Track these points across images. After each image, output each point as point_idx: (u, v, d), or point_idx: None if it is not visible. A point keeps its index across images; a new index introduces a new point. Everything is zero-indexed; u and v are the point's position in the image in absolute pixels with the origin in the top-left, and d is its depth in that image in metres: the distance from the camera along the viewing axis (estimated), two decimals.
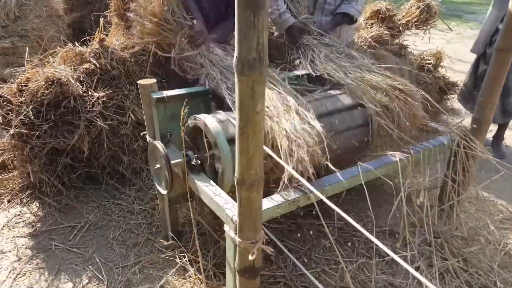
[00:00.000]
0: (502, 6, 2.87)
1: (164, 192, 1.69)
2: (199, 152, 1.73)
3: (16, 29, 3.17)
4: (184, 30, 2.01)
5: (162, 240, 2.09)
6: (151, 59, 2.18)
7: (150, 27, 2.00)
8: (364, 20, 3.50)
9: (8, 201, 2.41)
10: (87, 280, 1.88)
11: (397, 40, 3.48)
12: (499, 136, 3.31)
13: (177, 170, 1.62)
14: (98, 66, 2.34)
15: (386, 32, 3.28)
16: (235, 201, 1.48)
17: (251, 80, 1.00)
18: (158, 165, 1.67)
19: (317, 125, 1.62)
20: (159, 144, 1.62)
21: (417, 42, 3.73)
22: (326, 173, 1.67)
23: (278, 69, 2.09)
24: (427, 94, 2.07)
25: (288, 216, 2.19)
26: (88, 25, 3.94)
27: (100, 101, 2.32)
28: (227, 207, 1.43)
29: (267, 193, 1.48)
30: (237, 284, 1.39)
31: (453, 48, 6.18)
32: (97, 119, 2.29)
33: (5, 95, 2.22)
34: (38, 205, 2.40)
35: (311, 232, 2.13)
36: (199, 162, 1.63)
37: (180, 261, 1.94)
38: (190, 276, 1.87)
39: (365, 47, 3.11)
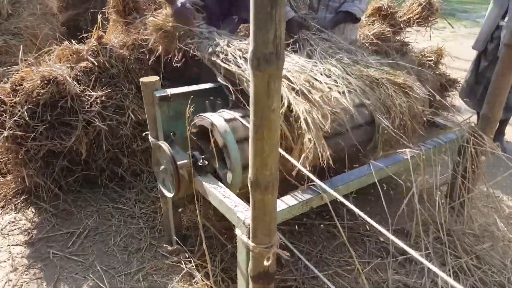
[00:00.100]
0: (503, 3, 2.90)
1: (170, 195, 1.62)
2: (204, 153, 1.66)
3: (9, 27, 3.10)
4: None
5: (166, 245, 2.02)
6: (152, 56, 2.10)
7: None
8: (366, 17, 3.48)
9: (2, 207, 2.31)
10: None
11: (398, 37, 3.46)
12: (500, 131, 3.31)
13: (182, 172, 1.55)
14: (96, 64, 2.27)
15: (388, 29, 3.25)
16: (245, 202, 1.44)
17: (267, 75, 0.94)
18: (163, 167, 1.59)
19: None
20: (164, 145, 1.55)
21: (417, 40, 3.70)
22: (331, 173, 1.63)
23: None
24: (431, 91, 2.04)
25: (295, 217, 2.14)
26: (83, 23, 3.87)
27: (98, 101, 2.26)
28: (238, 209, 1.37)
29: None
30: None
31: (449, 46, 6.16)
32: (96, 120, 2.23)
33: None
34: (34, 211, 2.31)
35: (320, 233, 2.07)
36: (206, 162, 1.56)
37: (186, 267, 1.87)
38: (197, 282, 1.80)
39: (367, 44, 3.08)
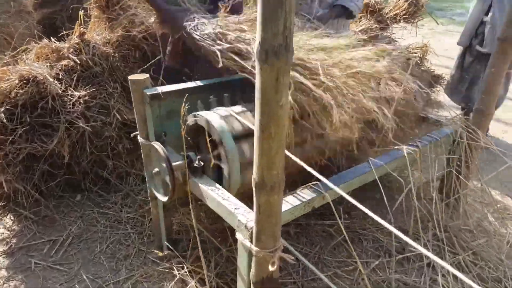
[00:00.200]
0: None
1: (164, 199, 1.53)
2: (200, 153, 1.58)
3: None
4: None
5: (156, 251, 1.94)
6: (137, 54, 2.00)
7: None
8: None
9: None
10: None
11: (385, 34, 3.47)
12: None
13: (177, 174, 1.47)
14: (79, 62, 2.17)
15: (375, 25, 3.25)
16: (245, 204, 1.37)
17: (276, 69, 0.89)
18: (156, 169, 1.51)
19: None
20: (158, 146, 1.47)
21: (404, 36, 3.72)
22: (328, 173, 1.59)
23: None
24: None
25: None
26: (59, 21, 3.74)
27: (81, 101, 2.17)
28: (238, 212, 1.30)
29: None
30: None
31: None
32: (79, 121, 2.14)
33: None
34: (13, 218, 2.20)
35: (317, 233, 2.03)
36: (202, 163, 1.49)
37: (179, 273, 1.79)
38: None
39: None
